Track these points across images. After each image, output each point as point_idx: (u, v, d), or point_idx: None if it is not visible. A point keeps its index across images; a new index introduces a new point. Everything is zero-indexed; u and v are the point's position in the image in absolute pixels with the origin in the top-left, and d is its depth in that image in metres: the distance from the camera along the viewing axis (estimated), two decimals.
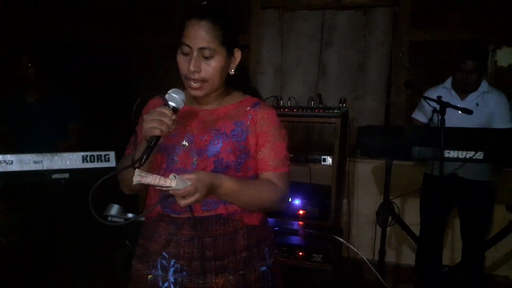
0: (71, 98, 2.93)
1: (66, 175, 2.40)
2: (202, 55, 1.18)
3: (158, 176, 1.02)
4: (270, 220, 2.93)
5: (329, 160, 2.99)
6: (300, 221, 2.98)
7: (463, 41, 3.00)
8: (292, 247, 2.60)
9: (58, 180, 2.39)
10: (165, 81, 3.63)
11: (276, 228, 2.80)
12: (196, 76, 1.19)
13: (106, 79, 3.56)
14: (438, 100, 2.27)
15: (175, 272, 1.21)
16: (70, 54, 3.54)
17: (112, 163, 2.49)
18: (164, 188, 1.03)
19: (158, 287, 1.22)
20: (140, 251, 1.30)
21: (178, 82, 1.26)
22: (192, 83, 1.21)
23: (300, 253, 2.57)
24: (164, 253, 1.23)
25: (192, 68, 1.17)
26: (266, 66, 3.68)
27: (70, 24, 4.03)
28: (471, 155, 2.19)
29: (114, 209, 2.46)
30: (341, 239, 2.44)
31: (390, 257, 3.24)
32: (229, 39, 1.21)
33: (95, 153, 2.47)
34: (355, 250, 2.12)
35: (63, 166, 2.39)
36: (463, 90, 2.62)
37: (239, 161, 1.24)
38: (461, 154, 2.22)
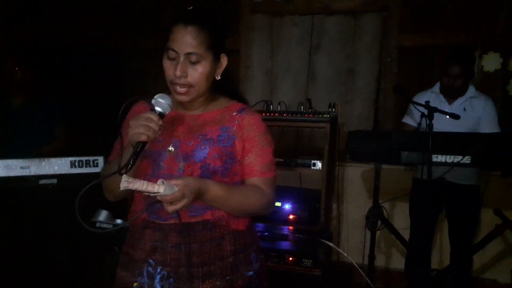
0: (58, 102, 2.90)
1: (54, 181, 2.38)
2: (189, 60, 1.18)
3: (146, 182, 1.02)
4: (260, 225, 2.92)
5: (318, 165, 3.00)
6: (290, 226, 2.98)
7: (451, 46, 3.03)
8: (282, 252, 2.60)
9: (46, 185, 2.37)
10: (154, 84, 3.62)
11: (266, 234, 2.79)
12: (183, 81, 1.19)
13: (95, 82, 3.54)
14: (426, 105, 2.29)
15: (161, 279, 1.20)
16: (58, 57, 3.52)
17: (100, 168, 2.48)
18: (151, 194, 1.02)
19: None
20: (125, 258, 1.29)
21: (165, 86, 1.26)
22: (178, 88, 1.20)
23: (290, 258, 2.57)
24: (150, 260, 1.22)
25: (178, 73, 1.17)
26: (256, 71, 3.69)
27: (57, 27, 4.00)
28: (458, 159, 2.21)
29: (103, 215, 2.45)
30: (330, 244, 2.45)
31: (380, 261, 3.25)
32: (215, 45, 1.22)
33: (84, 158, 2.45)
34: (345, 254, 2.13)
35: (51, 172, 2.38)
36: (450, 94, 2.65)
37: (226, 166, 1.24)
38: (449, 159, 2.24)
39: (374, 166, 2.50)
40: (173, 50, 1.18)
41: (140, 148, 1.09)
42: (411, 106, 2.61)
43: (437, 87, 2.72)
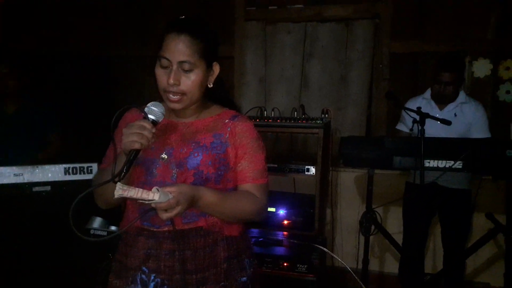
0: (51, 109, 2.90)
1: (48, 188, 2.37)
2: (182, 69, 1.19)
3: (141, 190, 1.02)
4: (255, 230, 2.93)
5: (312, 170, 3.02)
6: (285, 231, 2.99)
7: (442, 52, 3.08)
8: (277, 257, 2.61)
9: (40, 193, 2.36)
10: (147, 91, 3.63)
11: (261, 239, 2.80)
12: (175, 89, 1.20)
13: (88, 90, 3.55)
14: (418, 111, 2.33)
15: (155, 286, 1.20)
16: (51, 64, 3.52)
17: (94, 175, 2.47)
18: (146, 202, 1.03)
19: None
20: (118, 266, 1.29)
21: (158, 92, 1.27)
22: (171, 96, 1.21)
23: (285, 264, 2.57)
24: (143, 268, 1.22)
25: (171, 81, 1.18)
26: (250, 78, 3.71)
27: (50, 34, 4.01)
28: (450, 164, 2.24)
29: (97, 221, 2.45)
30: (325, 249, 2.46)
31: (374, 265, 3.27)
32: (208, 53, 1.23)
33: (77, 165, 2.45)
34: (339, 259, 2.14)
35: (45, 179, 2.37)
36: (441, 101, 2.69)
37: (219, 173, 1.25)
38: (441, 164, 2.27)
39: (367, 171, 2.53)
40: (166, 58, 1.19)
41: (133, 156, 1.10)
42: (403, 112, 2.64)
43: (428, 93, 2.76)
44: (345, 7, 3.44)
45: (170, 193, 1.04)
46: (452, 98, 2.68)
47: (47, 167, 2.37)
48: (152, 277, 1.21)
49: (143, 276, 1.22)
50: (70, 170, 2.42)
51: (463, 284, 2.91)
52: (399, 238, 2.77)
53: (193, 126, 1.30)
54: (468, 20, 3.20)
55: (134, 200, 1.06)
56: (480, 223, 2.81)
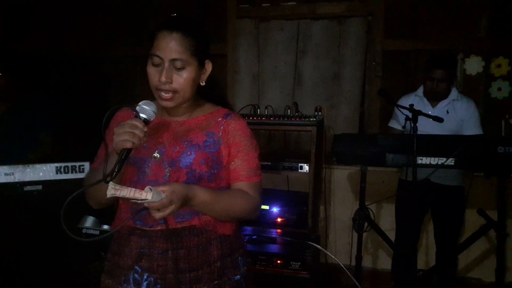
0: (42, 109, 2.88)
1: (39, 187, 2.35)
2: (174, 66, 1.19)
3: (133, 189, 1.02)
4: (248, 228, 2.93)
5: (306, 168, 3.03)
6: (278, 229, 2.99)
7: (434, 50, 3.09)
8: (270, 255, 2.61)
9: (31, 192, 2.34)
10: (138, 91, 3.61)
11: (254, 237, 2.80)
12: (167, 87, 1.19)
13: (79, 89, 3.52)
14: (411, 108, 2.33)
15: (148, 286, 1.20)
16: (42, 64, 3.49)
17: (86, 174, 2.46)
18: (139, 201, 1.02)
19: None
20: (110, 266, 1.28)
21: (151, 92, 1.26)
22: (163, 94, 1.21)
23: (278, 261, 2.58)
24: (136, 267, 1.21)
25: (163, 79, 1.17)
26: (243, 75, 3.70)
27: (41, 35, 3.97)
28: (443, 161, 2.26)
29: (89, 221, 2.43)
30: (318, 246, 2.46)
31: (367, 262, 3.28)
32: (200, 51, 1.22)
33: (69, 164, 2.44)
34: (332, 256, 2.15)
35: (36, 178, 2.35)
36: (434, 98, 2.70)
37: (212, 171, 1.24)
38: (433, 161, 2.29)
39: (360, 168, 2.53)
40: (158, 56, 1.18)
41: (125, 155, 1.09)
42: (396, 110, 2.65)
43: (420, 90, 2.77)
44: (338, 4, 3.45)
45: (163, 192, 1.04)
46: (444, 95, 2.69)
47: (38, 166, 2.36)
48: (145, 277, 1.20)
49: (136, 275, 1.21)
50: (62, 169, 2.40)
51: (456, 279, 2.93)
52: (392, 235, 2.79)
53: (185, 124, 1.29)
54: (460, 18, 3.22)
55: (127, 200, 1.05)
56: (472, 219, 2.84)
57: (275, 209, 3.08)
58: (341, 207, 3.39)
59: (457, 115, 2.68)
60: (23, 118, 2.79)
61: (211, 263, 1.24)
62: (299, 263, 2.55)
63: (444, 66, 2.60)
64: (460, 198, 2.71)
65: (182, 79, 1.20)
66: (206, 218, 1.23)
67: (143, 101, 1.17)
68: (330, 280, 3.17)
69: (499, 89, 3.20)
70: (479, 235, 2.47)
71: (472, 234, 2.49)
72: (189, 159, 1.22)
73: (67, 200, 1.01)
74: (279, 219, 3.08)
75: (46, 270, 2.43)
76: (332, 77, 3.55)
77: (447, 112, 2.67)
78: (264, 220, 3.04)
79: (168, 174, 1.21)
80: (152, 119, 1.17)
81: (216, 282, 1.23)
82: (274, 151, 3.49)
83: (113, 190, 1.00)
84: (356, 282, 2.27)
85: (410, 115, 2.32)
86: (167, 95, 1.21)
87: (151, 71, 1.21)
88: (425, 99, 2.73)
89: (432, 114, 2.40)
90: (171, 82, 1.19)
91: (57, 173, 2.39)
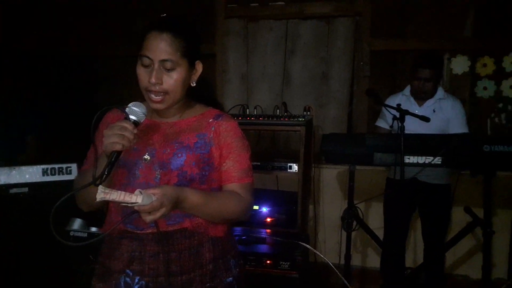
0: (29, 110, 2.84)
1: (25, 189, 2.32)
2: (164, 67, 1.17)
3: (123, 192, 1.00)
4: (238, 229, 2.93)
5: (295, 167, 3.04)
6: (268, 228, 3.00)
7: (421, 50, 3.12)
8: (260, 255, 2.61)
9: (17, 194, 2.30)
10: (127, 91, 3.57)
11: (244, 237, 2.80)
12: (158, 88, 1.18)
13: (67, 89, 3.48)
14: (398, 108, 2.36)
15: None
16: (29, 64, 3.43)
17: (74, 176, 2.43)
18: (129, 205, 1.01)
19: None
20: (101, 269, 1.26)
21: (140, 93, 1.25)
22: (153, 96, 1.19)
23: (268, 261, 2.58)
24: (127, 271, 1.20)
25: (153, 80, 1.16)
26: (232, 75, 3.70)
27: (28, 33, 3.91)
28: (430, 160, 2.28)
29: (77, 223, 2.41)
30: (307, 246, 2.47)
31: (356, 260, 3.31)
32: (190, 52, 1.21)
33: (56, 166, 2.40)
34: (321, 256, 2.16)
35: (22, 180, 2.31)
36: (420, 97, 2.73)
37: (203, 173, 1.23)
38: (421, 160, 2.31)
39: (349, 167, 2.55)
40: (148, 57, 1.17)
41: (115, 158, 1.08)
42: (384, 109, 2.67)
43: (407, 90, 2.79)
44: (326, 4, 3.47)
45: (154, 195, 1.03)
46: (431, 94, 2.72)
47: (24, 168, 2.32)
48: (137, 280, 1.19)
49: (127, 279, 1.20)
50: (49, 171, 2.37)
51: (443, 277, 2.97)
52: (380, 233, 2.81)
53: (176, 126, 1.28)
54: (447, 19, 3.26)
55: (117, 203, 1.04)
56: (458, 217, 2.87)
57: (264, 209, 3.08)
58: (330, 206, 3.41)
59: (443, 114, 2.71)
60: (9, 119, 2.74)
61: (203, 266, 1.23)
62: (288, 263, 2.55)
63: (430, 66, 2.63)
64: (447, 196, 2.75)
65: (172, 80, 1.19)
66: (197, 220, 1.22)
67: (133, 103, 1.15)
68: (320, 279, 3.18)
69: (485, 88, 3.25)
70: (466, 232, 2.50)
71: (459, 231, 2.52)
72: (180, 161, 1.21)
73: (57, 204, 0.99)
74: (268, 219, 3.09)
75: (33, 273, 2.39)
76: (320, 77, 3.56)
77: (434, 111, 2.70)
78: (253, 220, 3.04)
79: (158, 177, 1.20)
80: (142, 121, 1.16)
81: (208, 284, 1.23)
82: (264, 151, 3.50)
83: (102, 193, 0.99)
84: (345, 281, 2.29)
85: (397, 114, 2.34)
86: (157, 97, 1.20)
87: (141, 72, 1.20)
88: (412, 98, 2.76)
89: (418, 113, 2.43)
90: (161, 83, 1.18)
91: (43, 175, 2.36)
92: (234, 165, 1.27)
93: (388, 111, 2.44)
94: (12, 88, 2.95)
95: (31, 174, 2.32)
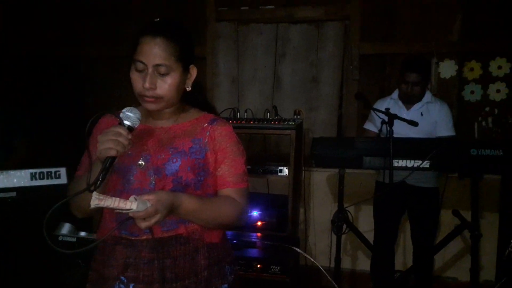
0: (17, 113, 2.79)
1: (13, 194, 2.28)
2: (158, 72, 1.17)
3: (118, 199, 1.00)
4: (229, 233, 2.91)
5: (285, 171, 3.04)
6: (258, 232, 3.00)
7: (409, 54, 3.16)
8: (250, 260, 2.61)
9: (5, 199, 2.26)
10: (117, 93, 3.56)
11: (235, 241, 2.80)
12: (151, 93, 1.18)
13: (56, 92, 3.44)
14: (387, 112, 2.38)
15: None
16: (17, 66, 3.39)
17: (63, 180, 2.39)
18: (124, 211, 1.00)
19: None
20: (95, 276, 1.25)
21: (131, 94, 1.24)
22: (147, 100, 1.19)
23: (258, 266, 2.58)
24: (122, 278, 1.18)
25: (147, 85, 1.16)
26: (222, 78, 3.70)
27: (16, 34, 3.87)
28: (418, 163, 2.30)
29: (66, 227, 2.37)
30: (298, 249, 2.48)
31: (346, 263, 3.32)
32: (184, 56, 1.21)
33: (45, 170, 2.36)
34: (311, 259, 2.16)
35: (10, 185, 2.27)
36: (408, 101, 2.76)
37: (199, 178, 1.23)
38: (409, 163, 2.33)
39: (338, 171, 2.56)
40: (141, 62, 1.16)
41: (109, 164, 1.07)
42: (372, 113, 2.70)
43: (396, 93, 2.82)
44: (316, 8, 3.49)
45: (148, 201, 1.02)
46: (419, 98, 2.75)
47: (12, 172, 2.28)
48: (131, 287, 1.17)
49: (122, 286, 1.18)
50: (37, 175, 2.33)
51: (432, 279, 3.00)
52: (370, 236, 2.83)
53: (171, 131, 1.27)
54: (435, 23, 3.31)
55: (112, 210, 1.03)
56: (447, 220, 2.91)
57: (255, 213, 3.09)
58: (321, 209, 3.42)
59: (431, 117, 2.74)
60: None
61: (198, 273, 1.22)
62: (279, 267, 2.56)
63: (418, 70, 2.66)
64: (435, 199, 2.78)
65: (166, 85, 1.18)
66: (193, 226, 1.21)
67: (127, 108, 1.14)
68: (311, 283, 3.19)
69: (472, 92, 3.29)
70: (454, 235, 2.53)
71: (447, 234, 2.55)
72: (175, 166, 1.20)
73: (50, 212, 0.98)
74: (259, 223, 3.09)
75: (21, 279, 2.36)
76: (310, 80, 3.58)
77: (421, 114, 2.73)
78: (244, 224, 3.04)
79: (153, 182, 1.19)
80: (136, 126, 1.15)
81: None
82: (254, 155, 3.50)
83: (97, 200, 0.98)
84: (335, 284, 2.29)
85: (386, 118, 2.36)
86: (151, 98, 1.19)
87: (135, 77, 1.19)
88: (400, 102, 2.79)
89: (406, 117, 2.45)
90: (155, 88, 1.18)
91: (32, 179, 2.32)
92: (229, 170, 1.27)
93: (377, 115, 2.47)
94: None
95: (19, 178, 2.29)
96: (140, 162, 1.21)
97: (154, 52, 1.16)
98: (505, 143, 2.30)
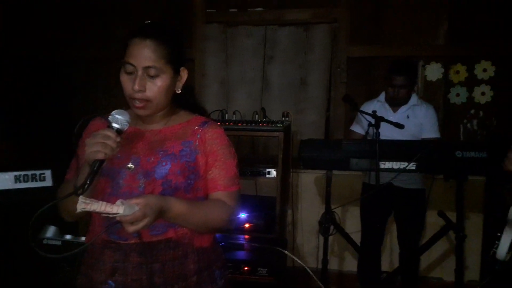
0: (0, 114, 2.76)
1: None
2: (148, 74, 1.16)
3: (104, 203, 0.98)
4: (217, 235, 2.91)
5: (273, 173, 3.06)
6: (246, 234, 3.00)
7: (396, 57, 3.19)
8: (238, 262, 2.61)
9: None
10: (105, 95, 3.53)
11: (222, 244, 2.79)
12: (141, 95, 1.17)
13: (40, 92, 3.40)
14: (373, 114, 2.40)
15: None
16: (2, 67, 3.35)
17: (48, 182, 2.36)
18: (110, 215, 0.99)
19: None
20: (83, 280, 1.24)
21: (118, 96, 1.23)
22: (137, 102, 1.18)
23: (246, 268, 2.58)
24: (110, 282, 1.17)
25: (137, 87, 1.15)
26: (211, 80, 3.69)
27: (2, 35, 3.81)
28: (404, 165, 2.33)
29: (51, 231, 2.33)
30: (285, 251, 2.48)
31: (334, 264, 3.34)
32: (175, 58, 1.21)
33: (29, 172, 2.33)
34: (298, 260, 2.17)
35: None
36: (395, 103, 2.78)
37: (189, 182, 1.22)
38: (396, 165, 2.35)
39: (326, 173, 2.58)
40: (131, 64, 1.16)
41: (97, 167, 1.06)
42: (359, 115, 2.72)
43: (382, 96, 2.84)
44: (304, 11, 3.51)
45: (137, 205, 1.01)
46: (405, 100, 2.77)
47: None
48: None
49: None
50: (21, 178, 2.29)
51: (418, 280, 3.02)
52: (357, 237, 2.85)
53: (161, 133, 1.26)
54: (421, 27, 3.35)
55: (99, 214, 1.02)
56: (432, 221, 2.93)
57: (243, 215, 3.08)
58: (308, 211, 3.43)
59: (417, 120, 2.77)
60: None
61: (187, 277, 1.20)
62: (266, 269, 2.56)
63: (404, 73, 2.69)
64: (421, 200, 2.80)
65: (156, 88, 1.18)
66: (182, 230, 1.20)
67: (116, 110, 1.13)
68: (298, 284, 3.20)
69: (457, 94, 3.34)
70: (439, 236, 2.56)
71: (433, 235, 2.58)
72: (164, 170, 1.19)
73: (35, 215, 0.97)
74: (247, 225, 3.09)
75: (4, 283, 2.33)
76: (298, 82, 3.59)
77: (408, 116, 2.76)
78: (232, 226, 3.04)
79: (143, 186, 1.18)
80: (125, 129, 1.14)
81: None
82: (243, 157, 3.49)
83: (83, 204, 0.96)
84: (322, 286, 2.30)
85: (373, 121, 2.38)
86: (140, 103, 1.18)
87: (124, 79, 1.18)
88: (386, 105, 2.81)
89: (393, 119, 2.48)
90: (145, 91, 1.17)
91: (16, 182, 2.28)
92: (220, 173, 1.25)
93: (364, 117, 2.48)
94: None
95: (3, 181, 2.25)
96: (129, 165, 1.20)
97: (144, 54, 1.15)
98: (489, 145, 2.33)
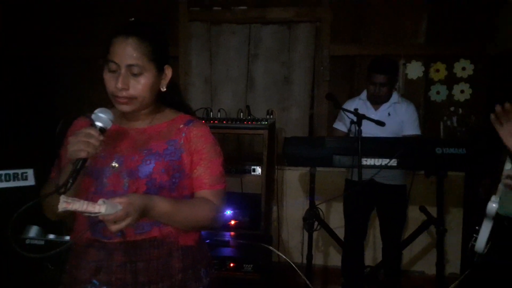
0: None
1: None
2: (131, 72, 1.16)
3: (86, 202, 0.98)
4: (202, 233, 2.92)
5: (258, 170, 3.08)
6: (232, 231, 3.01)
7: (378, 55, 3.25)
8: (223, 259, 2.62)
9: None
10: (88, 93, 3.49)
11: (208, 241, 2.80)
12: (124, 93, 1.17)
13: (24, 91, 3.34)
14: (355, 112, 2.44)
15: None
16: None
17: (30, 181, 2.32)
18: (92, 215, 0.99)
19: None
20: (68, 279, 1.23)
21: (102, 95, 1.23)
22: (121, 99, 1.18)
23: (231, 264, 2.60)
24: (94, 281, 1.17)
25: (120, 85, 1.15)
26: (195, 78, 3.68)
27: None
28: (386, 162, 2.38)
29: (33, 230, 2.31)
30: (270, 247, 2.51)
31: (318, 260, 3.38)
32: (158, 56, 1.21)
33: (11, 172, 2.29)
34: (283, 256, 2.20)
35: None
36: (376, 101, 2.83)
37: (173, 180, 1.22)
38: (377, 162, 2.40)
39: (309, 169, 2.61)
40: (114, 62, 1.16)
41: (80, 166, 1.06)
42: (342, 113, 2.76)
43: (364, 94, 2.89)
44: (288, 10, 3.52)
45: (120, 204, 1.01)
46: (386, 98, 2.82)
47: None
48: None
49: None
50: (3, 177, 2.26)
51: (400, 273, 3.09)
52: (341, 233, 2.89)
53: (146, 132, 1.26)
54: (402, 26, 3.41)
55: (81, 213, 1.02)
56: (414, 216, 3.00)
57: (228, 212, 3.10)
58: (293, 206, 3.47)
59: (398, 117, 2.82)
60: None
61: (172, 276, 1.20)
62: (251, 265, 2.58)
63: (384, 71, 2.73)
64: (403, 196, 2.86)
65: (139, 86, 1.18)
66: (167, 229, 1.20)
67: (99, 109, 1.13)
68: (284, 279, 3.23)
69: (438, 92, 3.41)
70: (421, 230, 2.62)
71: (415, 230, 2.63)
72: (148, 168, 1.19)
73: (16, 214, 0.96)
74: (232, 222, 3.11)
75: None
76: (282, 80, 3.62)
77: (389, 114, 2.81)
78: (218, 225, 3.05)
79: (127, 185, 1.18)
80: (108, 127, 1.13)
81: None
82: (228, 154, 3.49)
83: (64, 203, 0.96)
84: (307, 280, 2.34)
85: (355, 118, 2.42)
86: (124, 100, 1.18)
87: (108, 77, 1.18)
88: (368, 103, 2.86)
89: (375, 117, 2.52)
90: (128, 89, 1.17)
91: None
92: (206, 171, 1.25)
93: (346, 115, 2.53)
94: None
95: None
96: (113, 164, 1.20)
97: (127, 52, 1.15)
98: (468, 142, 2.39)
